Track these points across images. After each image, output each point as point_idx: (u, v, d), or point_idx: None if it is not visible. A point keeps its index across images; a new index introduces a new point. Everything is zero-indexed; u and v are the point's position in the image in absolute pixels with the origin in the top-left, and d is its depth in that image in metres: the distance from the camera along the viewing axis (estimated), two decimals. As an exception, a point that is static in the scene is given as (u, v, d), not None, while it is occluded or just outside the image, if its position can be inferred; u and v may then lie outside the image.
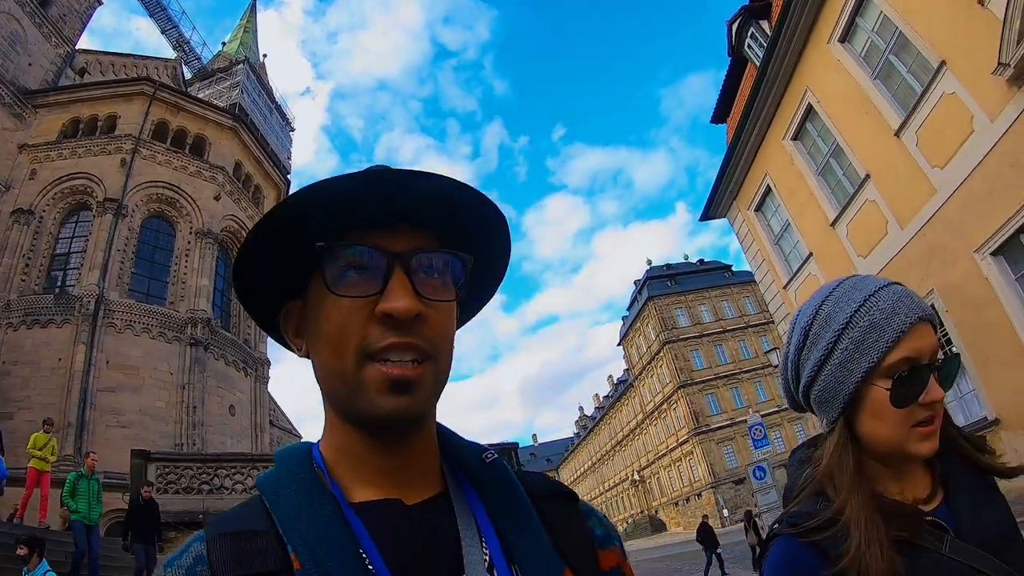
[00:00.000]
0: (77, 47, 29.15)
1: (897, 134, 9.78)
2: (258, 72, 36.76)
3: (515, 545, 0.70)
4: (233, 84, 33.42)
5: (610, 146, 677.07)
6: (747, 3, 13.93)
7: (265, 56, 42.55)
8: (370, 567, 0.62)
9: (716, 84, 15.56)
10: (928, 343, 0.99)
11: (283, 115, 37.09)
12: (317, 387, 0.72)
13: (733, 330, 59.48)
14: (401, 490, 0.70)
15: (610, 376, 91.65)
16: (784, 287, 14.05)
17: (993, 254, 8.45)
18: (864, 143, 10.79)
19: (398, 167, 0.67)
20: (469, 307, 0.85)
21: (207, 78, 35.59)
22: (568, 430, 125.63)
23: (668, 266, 67.31)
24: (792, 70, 12.24)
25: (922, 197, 9.54)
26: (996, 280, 8.43)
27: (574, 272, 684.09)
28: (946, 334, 9.43)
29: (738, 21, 14.07)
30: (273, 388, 30.73)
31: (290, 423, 45.62)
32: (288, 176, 33.14)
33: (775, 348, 19.72)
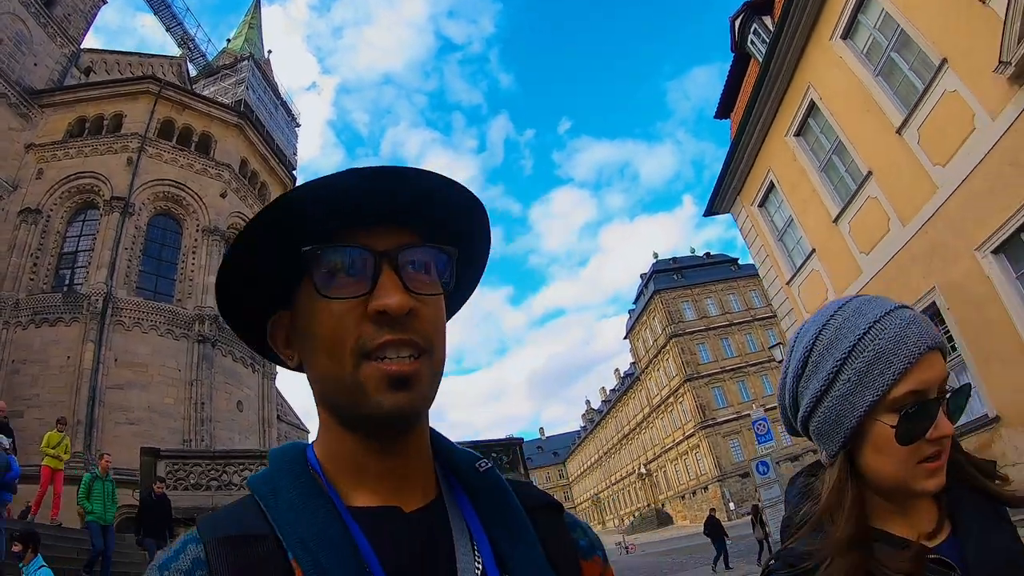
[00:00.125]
0: (82, 46, 29.24)
1: (899, 131, 9.77)
2: (263, 68, 36.80)
3: (509, 555, 0.70)
4: (238, 81, 33.48)
5: (616, 139, 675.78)
6: (749, -1, 13.89)
7: (270, 52, 42.61)
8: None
9: (721, 78, 15.58)
10: (937, 374, 0.92)
11: (288, 111, 37.15)
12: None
13: (739, 323, 59.41)
14: (399, 495, 0.71)
15: (617, 369, 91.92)
16: (787, 283, 14.06)
17: (994, 252, 8.44)
18: (866, 140, 10.78)
19: (379, 165, 0.67)
20: (452, 302, 0.84)
21: (212, 75, 35.65)
22: (575, 423, 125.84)
23: (674, 259, 67.30)
24: (795, 66, 12.22)
25: (924, 195, 9.53)
26: (997, 278, 8.43)
27: (581, 265, 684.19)
28: (948, 332, 9.45)
29: (741, 17, 14.03)
30: (281, 383, 30.88)
31: (298, 418, 45.68)
32: (294, 172, 33.27)
33: (780, 343, 19.70)
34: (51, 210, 23.35)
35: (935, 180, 9.28)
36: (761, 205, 14.84)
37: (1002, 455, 8.61)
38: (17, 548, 7.09)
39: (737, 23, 14.20)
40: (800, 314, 13.63)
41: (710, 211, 16.84)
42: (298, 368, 0.74)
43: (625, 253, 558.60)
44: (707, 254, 68.66)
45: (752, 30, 13.83)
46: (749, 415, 33.54)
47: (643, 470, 71.23)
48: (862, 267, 11.32)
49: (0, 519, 9.42)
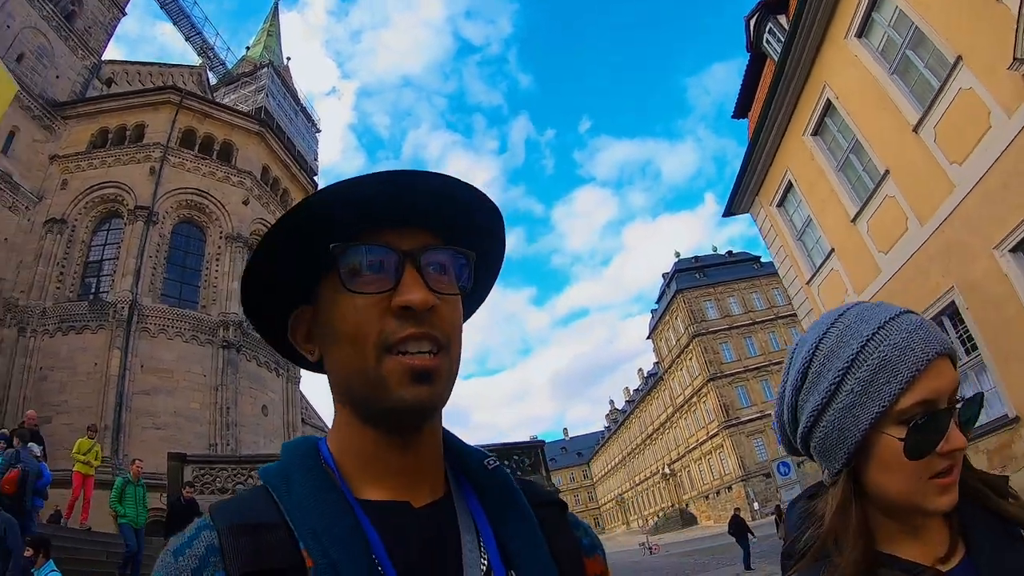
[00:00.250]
0: (103, 58, 29.89)
1: (915, 130, 9.69)
2: (282, 75, 37.21)
3: (515, 552, 0.72)
4: (258, 88, 33.93)
5: (637, 137, 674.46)
6: (764, -2, 13.82)
7: (289, 59, 43.07)
8: (379, 568, 0.63)
9: (740, 74, 15.43)
10: (947, 382, 0.86)
11: (308, 117, 37.56)
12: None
13: (762, 322, 58.88)
14: (409, 491, 0.72)
15: (640, 369, 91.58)
16: (807, 283, 13.97)
17: (1012, 251, 8.34)
18: (883, 139, 10.70)
19: (405, 169, 0.70)
20: (468, 305, 0.86)
21: (232, 83, 36.18)
22: (599, 424, 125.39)
23: (696, 258, 66.83)
24: (810, 65, 12.15)
25: (941, 193, 9.44)
26: (1016, 277, 8.32)
27: (604, 265, 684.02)
28: (967, 332, 9.37)
29: (756, 16, 13.96)
30: (305, 387, 31.18)
31: (322, 420, 45.90)
32: (315, 177, 33.65)
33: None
34: (76, 220, 23.87)
35: (952, 178, 9.19)
36: (780, 205, 14.75)
37: (1023, 456, 8.53)
38: (29, 553, 7.17)
39: (752, 22, 14.13)
40: (820, 314, 13.52)
41: (729, 212, 16.75)
42: (317, 363, 0.77)
43: (648, 252, 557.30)
44: (729, 252, 68.13)
45: (767, 29, 13.75)
46: (772, 414, 33.30)
47: (667, 470, 70.85)
48: (881, 267, 11.24)
49: (32, 524, 9.67)
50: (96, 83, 28.55)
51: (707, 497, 60.89)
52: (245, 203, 26.38)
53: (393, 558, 0.65)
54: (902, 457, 0.84)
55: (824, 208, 12.81)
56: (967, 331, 9.36)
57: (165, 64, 34.41)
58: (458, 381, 0.75)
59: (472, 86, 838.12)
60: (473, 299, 0.87)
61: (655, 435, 76.67)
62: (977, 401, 0.90)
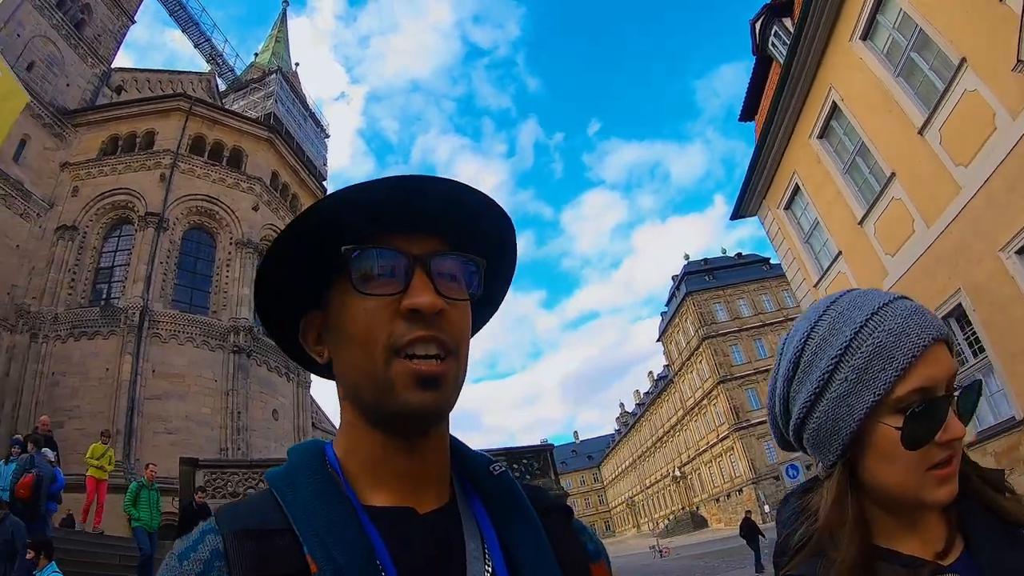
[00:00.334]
0: (113, 65, 30.11)
1: (921, 132, 9.69)
2: (291, 81, 37.45)
3: (520, 558, 0.71)
4: (267, 94, 34.15)
5: (646, 140, 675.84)
6: (769, 1, 13.83)
7: (297, 65, 43.39)
8: (383, 575, 0.63)
9: (748, 77, 15.44)
10: (945, 369, 0.83)
11: (317, 122, 37.77)
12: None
13: (772, 324, 58.55)
14: (415, 497, 0.72)
15: (650, 372, 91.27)
16: (815, 285, 13.95)
17: (1018, 253, 8.34)
18: (889, 141, 10.70)
19: (414, 174, 0.71)
20: (480, 316, 0.86)
21: (241, 89, 36.42)
22: (609, 427, 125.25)
23: (705, 261, 66.59)
24: (816, 68, 12.17)
25: (947, 195, 9.45)
26: (1022, 279, 8.33)
27: (614, 267, 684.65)
28: (974, 333, 9.36)
29: (761, 19, 13.98)
30: (315, 391, 31.29)
31: (332, 424, 45.97)
32: (324, 183, 33.81)
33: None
34: (87, 226, 24.04)
35: (958, 180, 9.20)
36: (787, 208, 14.76)
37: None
38: (30, 555, 7.20)
39: (758, 25, 14.14)
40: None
41: (737, 215, 16.76)
42: (327, 365, 0.77)
43: (658, 254, 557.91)
44: (738, 254, 67.89)
45: (773, 32, 13.77)
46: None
47: (677, 473, 70.63)
48: (888, 269, 11.22)
49: (47, 527, 9.78)
50: (106, 91, 28.81)
51: (718, 500, 60.67)
52: (255, 209, 26.52)
53: (397, 564, 0.65)
54: (899, 447, 0.81)
55: (831, 210, 12.81)
56: (974, 333, 9.36)
57: (174, 71, 34.76)
58: (468, 384, 0.76)
59: (481, 90, 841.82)
60: (486, 308, 0.88)
61: (665, 438, 76.45)
62: (976, 389, 0.87)
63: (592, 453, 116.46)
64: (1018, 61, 7.61)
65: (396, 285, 0.69)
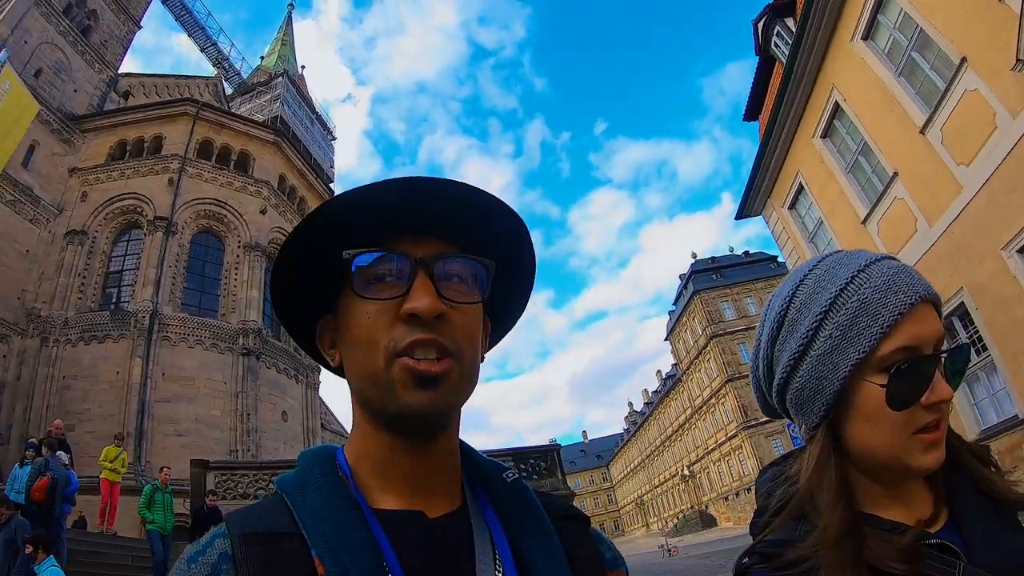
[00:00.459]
0: (120, 71, 30.36)
1: (922, 131, 9.72)
2: (297, 84, 37.56)
3: (532, 564, 0.71)
4: (273, 98, 34.25)
5: (652, 138, 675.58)
6: (771, 1, 13.85)
7: (303, 67, 43.46)
8: None
9: (752, 76, 15.43)
10: (932, 329, 0.81)
11: (324, 125, 37.85)
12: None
13: (780, 322, 58.39)
14: (424, 501, 0.72)
15: (659, 371, 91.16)
16: (819, 284, 13.96)
17: (1020, 252, 8.36)
18: (891, 140, 10.72)
19: (423, 176, 0.71)
20: (501, 322, 0.86)
21: (247, 92, 36.55)
22: (618, 426, 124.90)
23: (712, 259, 66.40)
24: (818, 68, 12.20)
25: (948, 195, 9.47)
26: (1023, 278, 8.37)
27: (621, 266, 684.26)
28: (977, 332, 9.38)
29: (763, 19, 14.00)
30: (324, 392, 31.45)
31: (341, 426, 46.12)
32: (332, 185, 33.94)
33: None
34: (96, 231, 24.30)
35: (959, 180, 9.22)
36: (791, 207, 14.78)
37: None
38: (29, 550, 7.31)
39: (760, 25, 14.16)
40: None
41: (741, 214, 16.78)
42: (339, 367, 0.77)
43: (665, 253, 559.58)
44: (745, 253, 67.64)
45: (775, 32, 13.79)
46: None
47: (686, 472, 70.50)
48: (892, 267, 11.22)
49: (61, 529, 9.92)
50: (113, 96, 29.04)
51: (726, 499, 60.50)
52: (263, 212, 26.72)
53: (405, 568, 0.65)
54: (885, 407, 0.80)
55: (835, 210, 12.84)
56: (977, 332, 9.38)
57: (181, 76, 34.96)
58: (477, 384, 0.75)
59: (487, 90, 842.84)
60: (507, 314, 0.87)
61: (674, 437, 76.31)
62: (964, 352, 0.86)
63: (601, 452, 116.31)
64: (1018, 60, 7.64)
65: (398, 288, 0.69)
